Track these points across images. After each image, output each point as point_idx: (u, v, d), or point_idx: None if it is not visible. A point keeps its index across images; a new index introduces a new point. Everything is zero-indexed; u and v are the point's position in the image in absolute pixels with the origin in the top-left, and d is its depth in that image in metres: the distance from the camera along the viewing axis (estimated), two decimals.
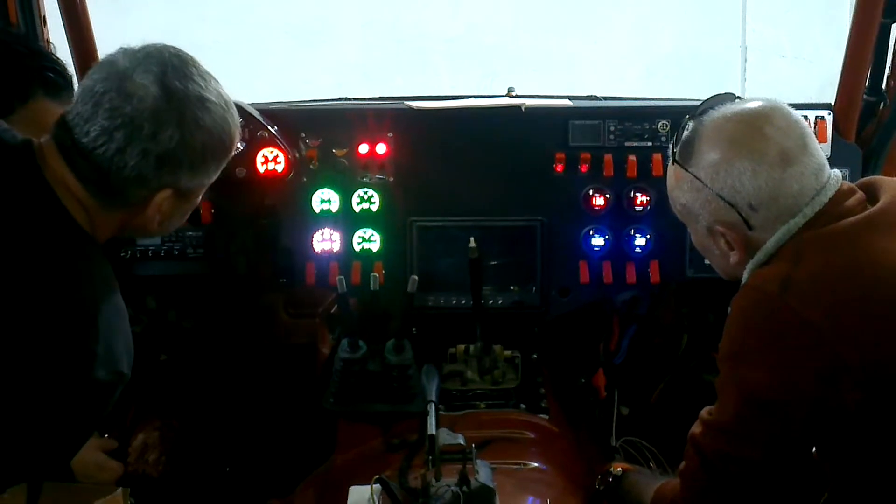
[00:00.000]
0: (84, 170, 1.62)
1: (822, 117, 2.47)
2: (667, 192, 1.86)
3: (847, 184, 1.75)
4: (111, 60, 1.65)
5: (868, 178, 1.84)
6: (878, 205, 1.69)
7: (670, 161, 1.81)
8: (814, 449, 1.78)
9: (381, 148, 2.57)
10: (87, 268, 1.63)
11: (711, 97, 1.79)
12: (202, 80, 1.67)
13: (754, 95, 1.78)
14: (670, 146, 1.81)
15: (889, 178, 1.81)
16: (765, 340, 1.66)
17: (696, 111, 1.77)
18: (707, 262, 1.92)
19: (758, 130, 1.68)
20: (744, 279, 1.77)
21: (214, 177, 1.76)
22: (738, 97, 1.78)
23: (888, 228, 1.66)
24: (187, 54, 1.68)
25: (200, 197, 1.79)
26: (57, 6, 2.42)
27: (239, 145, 2.35)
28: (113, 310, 1.64)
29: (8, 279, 1.55)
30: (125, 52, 1.64)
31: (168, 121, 1.61)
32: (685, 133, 1.77)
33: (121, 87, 1.61)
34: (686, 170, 1.75)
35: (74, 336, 1.57)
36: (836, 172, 1.75)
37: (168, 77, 1.63)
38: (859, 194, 1.73)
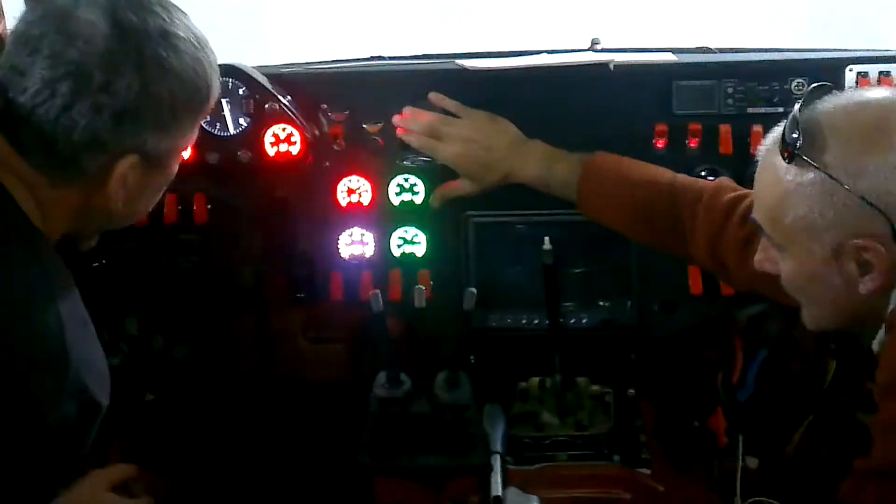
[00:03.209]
0: (24, 137, 1.65)
1: None
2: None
3: None
4: None
5: None
6: None
7: (779, 159, 1.78)
8: None
9: None
10: (39, 274, 1.65)
11: (814, 87, 1.80)
12: (165, 12, 1.70)
13: None
14: (781, 140, 1.79)
15: None
16: None
17: (801, 103, 1.77)
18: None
19: None
20: (892, 305, 1.75)
21: (191, 137, 1.79)
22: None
23: None
24: None
25: (175, 165, 1.81)
26: None
27: (242, 121, 2.47)
28: (78, 323, 1.67)
29: None
30: None
31: (124, 65, 1.63)
32: (799, 125, 1.75)
33: (62, 27, 1.63)
34: (816, 167, 1.72)
35: (36, 365, 1.60)
36: None
37: (120, 9, 1.65)
38: None
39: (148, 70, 1.66)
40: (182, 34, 1.71)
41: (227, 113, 2.55)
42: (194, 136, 1.82)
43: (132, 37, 1.65)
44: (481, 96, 2.55)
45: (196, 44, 1.73)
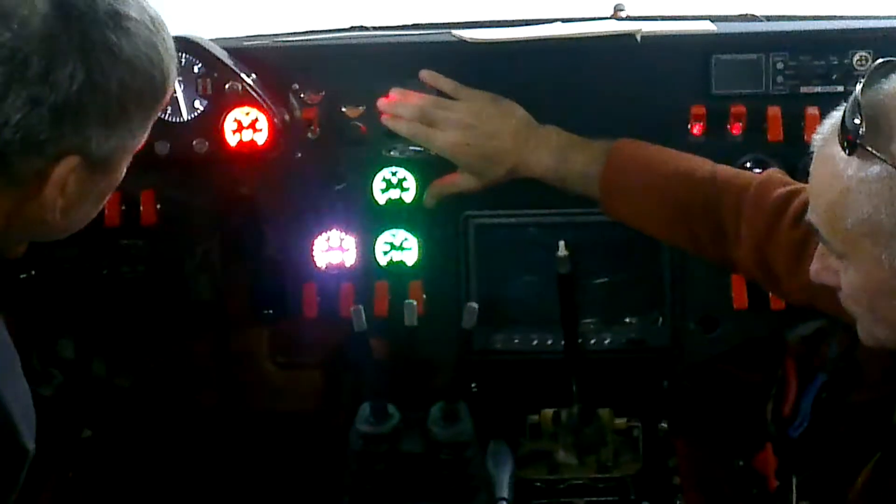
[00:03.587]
0: None
1: None
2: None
3: None
4: None
5: None
6: None
7: (839, 150, 1.76)
8: None
9: None
10: None
11: (880, 63, 1.79)
12: None
13: None
14: (840, 127, 1.79)
15: None
16: None
17: (864, 82, 1.76)
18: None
19: None
20: None
21: (142, 136, 1.78)
22: None
23: None
24: None
25: (123, 169, 1.80)
26: None
27: (197, 104, 2.47)
28: (4, 356, 1.67)
29: None
30: None
31: (67, 51, 1.61)
32: (862, 109, 1.73)
33: None
34: (882, 160, 1.69)
35: None
36: None
37: None
38: None
39: (94, 57, 1.64)
40: (135, 15, 1.69)
41: (180, 94, 2.53)
42: (146, 134, 1.80)
43: (76, 18, 1.63)
44: (483, 74, 2.55)
45: (151, 27, 1.72)
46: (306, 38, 2.78)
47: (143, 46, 1.69)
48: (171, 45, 1.76)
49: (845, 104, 1.77)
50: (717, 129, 2.58)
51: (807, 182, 1.92)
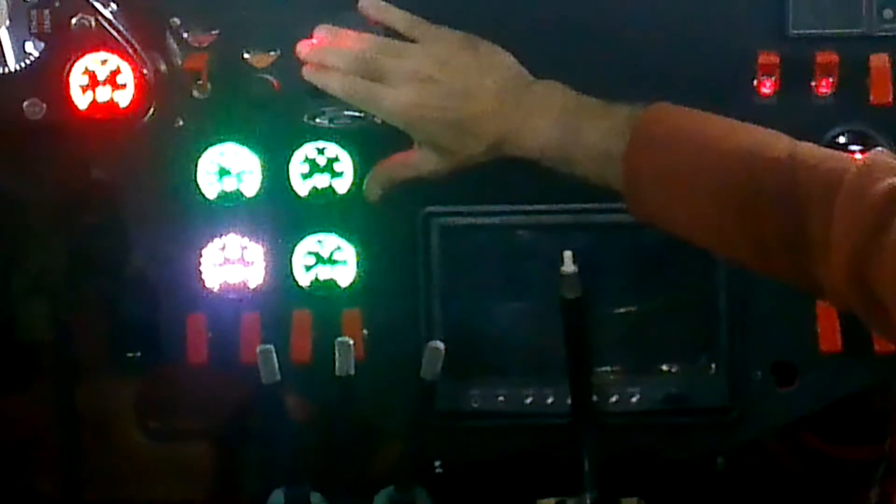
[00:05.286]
0: None
1: None
2: None
3: None
4: None
5: None
6: None
7: None
8: None
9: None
10: None
11: None
12: None
13: None
14: None
15: None
16: None
17: None
18: None
19: None
20: None
21: None
22: None
23: None
24: None
25: None
26: None
27: (30, 48, 2.35)
28: None
29: None
30: None
31: None
32: None
33: None
34: None
35: None
36: None
37: None
38: None
39: None
40: None
41: (3, 34, 2.37)
42: None
43: None
44: (453, 4, 2.36)
45: None
46: None
47: None
48: None
49: None
50: (795, 86, 2.36)
51: None
